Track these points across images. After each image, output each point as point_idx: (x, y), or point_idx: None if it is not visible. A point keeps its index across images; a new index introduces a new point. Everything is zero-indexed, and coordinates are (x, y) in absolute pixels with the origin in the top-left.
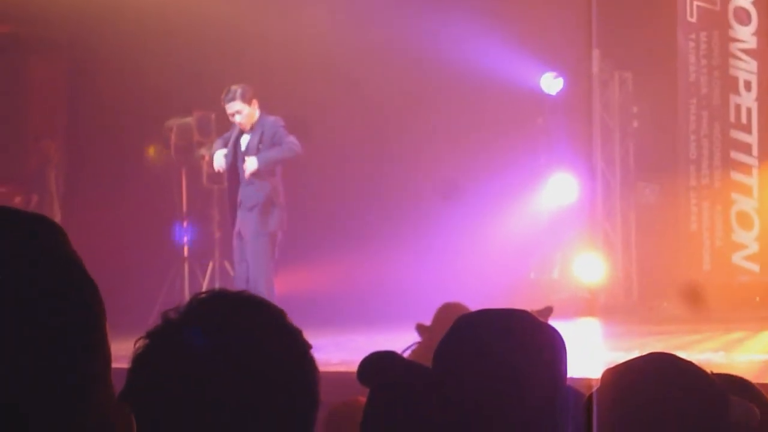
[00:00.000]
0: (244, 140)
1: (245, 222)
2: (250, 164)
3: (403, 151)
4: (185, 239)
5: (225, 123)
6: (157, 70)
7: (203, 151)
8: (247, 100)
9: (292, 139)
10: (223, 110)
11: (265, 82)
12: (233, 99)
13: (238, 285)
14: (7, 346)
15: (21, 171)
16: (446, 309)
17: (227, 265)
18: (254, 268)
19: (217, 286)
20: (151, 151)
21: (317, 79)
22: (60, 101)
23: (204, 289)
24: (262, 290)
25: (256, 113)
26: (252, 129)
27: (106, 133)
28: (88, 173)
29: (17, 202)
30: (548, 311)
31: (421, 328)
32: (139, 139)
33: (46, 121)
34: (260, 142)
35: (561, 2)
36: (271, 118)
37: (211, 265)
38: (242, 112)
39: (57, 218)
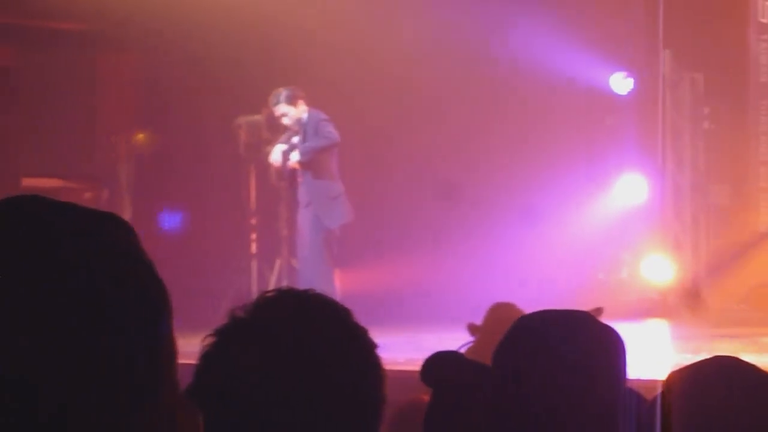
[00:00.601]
0: (296, 140)
1: (303, 219)
2: (293, 158)
3: (475, 151)
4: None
5: None
6: (228, 68)
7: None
8: (292, 102)
9: (330, 128)
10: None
11: (328, 80)
12: (278, 102)
13: (301, 282)
14: (77, 345)
15: (92, 166)
16: (498, 309)
17: (294, 262)
18: (311, 265)
19: (284, 283)
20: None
21: (382, 80)
22: (131, 98)
23: (271, 286)
24: (320, 287)
25: (304, 114)
26: (302, 128)
27: (176, 129)
28: (158, 169)
29: (87, 197)
30: (599, 312)
31: (472, 328)
32: (209, 136)
33: (117, 117)
34: (305, 137)
35: (631, 2)
36: (314, 113)
37: (278, 262)
38: (288, 114)
39: (127, 214)
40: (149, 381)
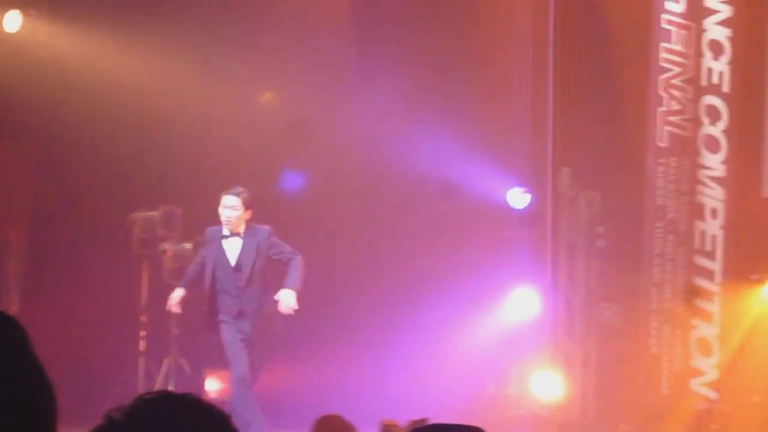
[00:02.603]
0: (233, 245)
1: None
2: (289, 300)
3: (371, 258)
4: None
5: (191, 218)
6: (127, 163)
7: (166, 245)
8: (246, 205)
9: (290, 248)
10: (191, 206)
11: (233, 180)
12: (237, 195)
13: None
14: None
15: None
16: (325, 421)
17: (183, 363)
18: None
19: (172, 383)
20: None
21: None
22: (26, 188)
23: (158, 386)
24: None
25: (243, 222)
26: (240, 235)
27: (70, 222)
28: (49, 262)
29: None
30: (424, 421)
31: None
32: (102, 231)
33: (10, 207)
34: (257, 251)
35: (533, 119)
36: (264, 228)
37: (166, 361)
38: (236, 210)
39: (14, 307)
40: None
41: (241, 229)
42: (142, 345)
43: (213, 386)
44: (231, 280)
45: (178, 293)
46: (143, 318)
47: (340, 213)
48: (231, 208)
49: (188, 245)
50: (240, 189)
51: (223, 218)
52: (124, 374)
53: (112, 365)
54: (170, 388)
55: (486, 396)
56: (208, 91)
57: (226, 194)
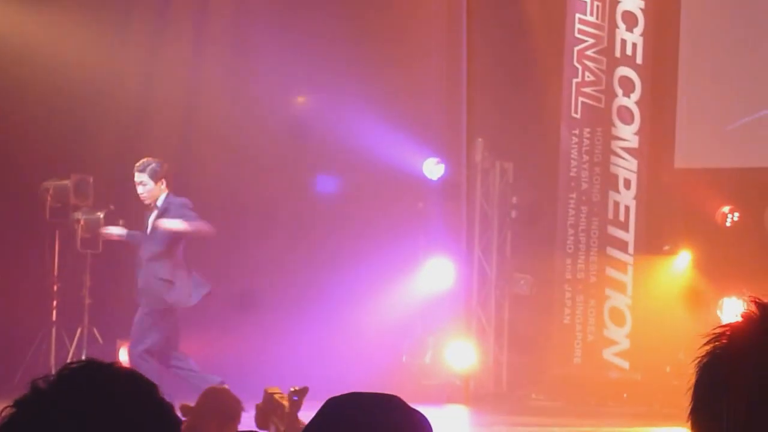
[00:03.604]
0: (150, 217)
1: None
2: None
3: (283, 226)
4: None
5: (103, 187)
6: (38, 131)
7: (79, 214)
8: (155, 178)
9: (195, 216)
10: (103, 175)
11: (146, 149)
12: (142, 171)
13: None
14: None
15: None
16: (210, 393)
17: (96, 332)
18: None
19: (84, 352)
20: None
21: (194, 142)
22: None
23: (71, 355)
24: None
25: (163, 193)
26: (156, 206)
27: None
28: None
29: None
30: (304, 391)
31: (184, 409)
32: (14, 199)
33: None
34: (161, 218)
35: (448, 89)
36: (179, 200)
37: (79, 331)
38: (145, 185)
39: None
40: None
41: (160, 201)
42: (54, 314)
43: (126, 356)
44: (144, 250)
45: (118, 230)
46: (55, 287)
47: (255, 184)
48: (140, 184)
49: (100, 214)
50: (147, 162)
51: (138, 193)
52: (37, 344)
53: (25, 335)
54: (83, 358)
55: (401, 365)
56: (118, 55)
57: (136, 171)
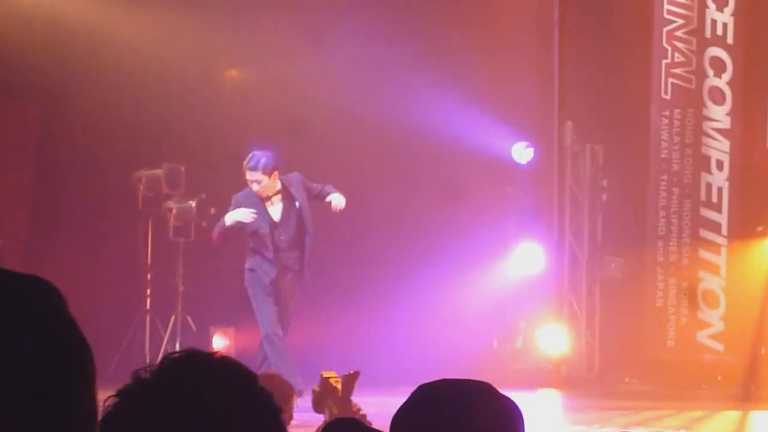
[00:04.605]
0: (275, 210)
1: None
2: (341, 199)
3: (376, 213)
4: None
5: (195, 176)
6: (131, 120)
7: (171, 203)
8: (268, 173)
9: (319, 184)
10: (194, 163)
11: (237, 137)
12: (255, 169)
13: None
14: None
15: None
16: (264, 378)
17: (189, 319)
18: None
19: (178, 340)
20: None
21: (287, 139)
22: (30, 146)
23: (165, 343)
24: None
25: (277, 184)
26: (277, 196)
27: (74, 180)
28: (52, 223)
29: None
30: (356, 375)
31: None
32: (107, 189)
33: (16, 166)
34: (295, 199)
35: (537, 73)
36: (293, 176)
37: (173, 319)
38: (261, 182)
39: (19, 266)
40: None
41: (275, 189)
42: (147, 303)
43: (219, 343)
44: (275, 235)
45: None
46: (149, 276)
47: (348, 169)
48: (255, 181)
49: (192, 203)
50: (258, 159)
51: (254, 190)
52: (131, 332)
53: (119, 324)
54: (177, 345)
55: (492, 351)
56: (210, 46)
57: (248, 170)
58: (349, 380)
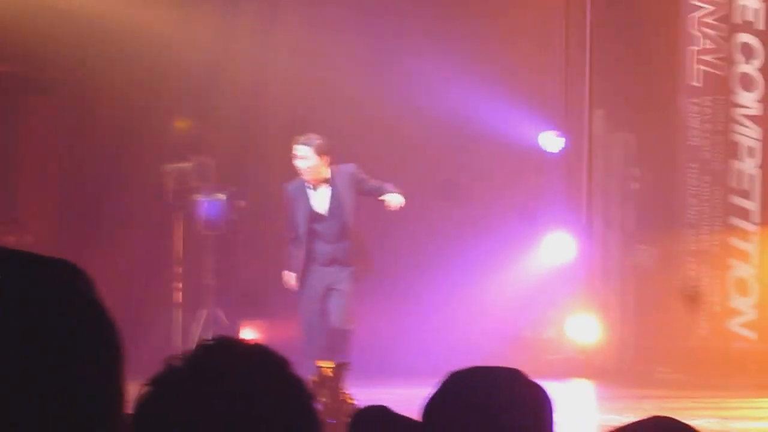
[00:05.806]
0: (321, 196)
1: (340, 276)
2: (398, 198)
3: (408, 204)
4: None
5: (224, 170)
6: (159, 114)
7: (200, 197)
8: (319, 152)
9: (377, 181)
10: (223, 156)
11: (267, 131)
12: (307, 143)
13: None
14: (29, 386)
15: (15, 210)
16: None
17: (220, 313)
18: (344, 318)
19: (209, 334)
20: None
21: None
22: (58, 141)
23: (196, 337)
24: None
25: (327, 170)
26: (325, 184)
27: (103, 175)
28: (81, 216)
29: (10, 241)
30: (343, 366)
31: None
32: (135, 183)
33: (44, 161)
34: (346, 189)
35: (566, 62)
36: (347, 167)
37: (204, 312)
38: (308, 160)
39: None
40: (99, 426)
41: (324, 176)
42: (177, 296)
43: (249, 337)
44: (323, 228)
45: (291, 278)
46: (179, 269)
47: (381, 160)
48: (302, 158)
49: (222, 196)
50: (314, 137)
51: (298, 169)
52: (161, 326)
53: (149, 317)
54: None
55: (522, 340)
56: (237, 41)
57: (297, 143)
58: (339, 370)
